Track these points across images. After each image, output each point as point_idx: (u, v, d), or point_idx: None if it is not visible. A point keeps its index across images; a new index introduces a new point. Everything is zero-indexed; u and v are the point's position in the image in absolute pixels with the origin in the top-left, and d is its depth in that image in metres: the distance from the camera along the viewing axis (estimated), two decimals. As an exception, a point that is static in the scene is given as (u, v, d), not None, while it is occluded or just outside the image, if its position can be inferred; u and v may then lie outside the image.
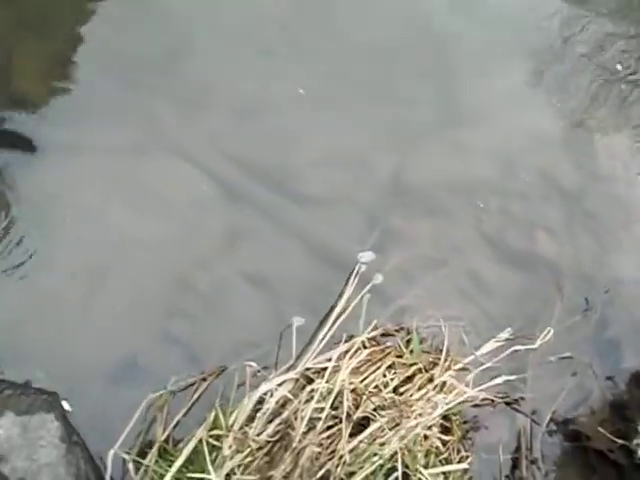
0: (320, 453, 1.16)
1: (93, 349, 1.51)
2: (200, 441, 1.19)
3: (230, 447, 1.16)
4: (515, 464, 1.47)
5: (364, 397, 1.25)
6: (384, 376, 1.34)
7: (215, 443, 1.19)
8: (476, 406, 1.48)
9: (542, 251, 1.86)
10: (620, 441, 1.45)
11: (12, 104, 1.88)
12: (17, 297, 1.53)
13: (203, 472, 1.14)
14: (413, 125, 2.05)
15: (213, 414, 1.24)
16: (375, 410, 1.24)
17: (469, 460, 1.27)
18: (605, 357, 1.71)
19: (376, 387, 1.30)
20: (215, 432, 1.20)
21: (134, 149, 1.85)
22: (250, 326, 1.60)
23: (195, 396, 1.38)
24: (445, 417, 1.36)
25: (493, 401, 1.46)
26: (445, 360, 1.39)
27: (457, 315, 1.64)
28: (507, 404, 1.52)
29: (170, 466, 1.17)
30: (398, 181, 1.94)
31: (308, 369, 1.32)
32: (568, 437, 1.54)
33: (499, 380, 1.32)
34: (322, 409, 1.21)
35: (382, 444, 1.13)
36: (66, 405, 1.32)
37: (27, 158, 1.78)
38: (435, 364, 1.42)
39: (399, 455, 1.11)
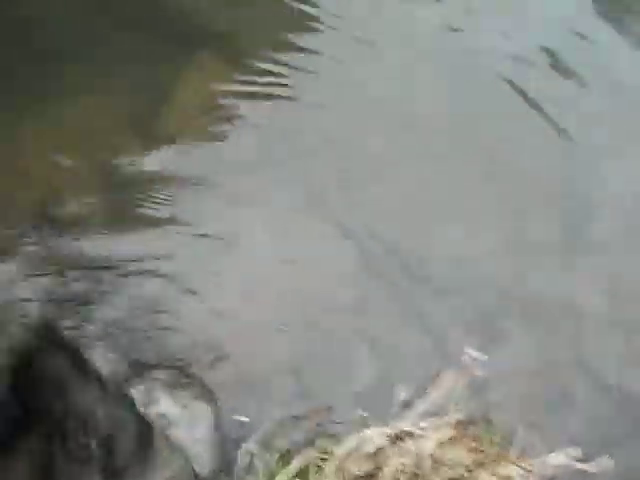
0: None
1: (242, 365, 1.97)
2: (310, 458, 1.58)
3: (331, 470, 1.54)
4: None
5: (443, 467, 1.57)
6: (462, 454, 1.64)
7: (320, 464, 1.58)
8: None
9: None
10: None
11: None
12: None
13: (307, 481, 1.53)
14: (539, 241, 2.31)
15: (322, 440, 1.63)
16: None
17: None
18: None
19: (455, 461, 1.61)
20: (323, 455, 1.59)
21: (296, 207, 2.31)
22: (357, 382, 1.95)
23: (309, 424, 1.78)
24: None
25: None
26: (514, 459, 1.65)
27: (537, 424, 1.86)
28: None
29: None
30: (512, 290, 2.23)
31: (402, 430, 1.66)
32: None
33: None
34: (407, 465, 1.55)
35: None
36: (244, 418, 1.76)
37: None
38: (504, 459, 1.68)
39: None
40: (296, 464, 1.57)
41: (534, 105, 2.64)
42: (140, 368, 1.85)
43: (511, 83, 2.68)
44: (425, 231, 2.32)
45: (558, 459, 1.57)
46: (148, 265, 2.09)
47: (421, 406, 1.75)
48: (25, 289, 1.96)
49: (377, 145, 2.51)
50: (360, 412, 1.74)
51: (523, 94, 2.66)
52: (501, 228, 2.36)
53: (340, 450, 1.59)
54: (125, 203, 2.23)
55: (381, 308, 2.16)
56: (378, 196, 2.40)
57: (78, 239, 2.09)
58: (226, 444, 1.78)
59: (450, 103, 2.62)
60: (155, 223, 2.21)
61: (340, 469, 1.57)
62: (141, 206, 2.22)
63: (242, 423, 1.81)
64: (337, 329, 2.09)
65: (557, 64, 2.79)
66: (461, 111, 2.59)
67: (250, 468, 1.63)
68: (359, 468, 1.58)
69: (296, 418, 1.79)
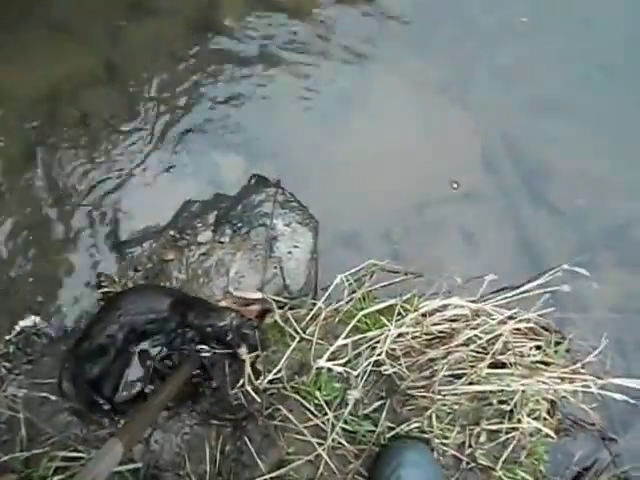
0: (464, 360, 1.62)
1: (346, 211, 2.07)
2: (393, 305, 1.71)
3: (410, 320, 1.67)
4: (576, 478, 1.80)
5: (510, 350, 1.66)
6: (530, 349, 1.73)
7: (402, 312, 1.71)
8: (576, 424, 1.82)
9: None
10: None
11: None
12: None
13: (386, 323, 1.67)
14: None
15: (410, 294, 1.75)
16: (512, 364, 1.66)
17: (555, 440, 1.65)
18: None
19: (521, 351, 1.71)
20: (405, 305, 1.71)
21: (440, 88, 2.28)
22: (447, 262, 2.03)
23: (397, 279, 1.90)
24: (553, 404, 1.73)
25: (594, 424, 1.79)
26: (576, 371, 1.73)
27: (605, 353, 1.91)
28: (600, 436, 1.83)
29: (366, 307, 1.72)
30: (624, 229, 2.19)
31: (482, 310, 1.75)
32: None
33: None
34: (480, 337, 1.65)
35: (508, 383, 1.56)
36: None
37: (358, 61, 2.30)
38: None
39: (518, 393, 1.54)
40: (382, 304, 1.70)
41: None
42: (261, 181, 1.98)
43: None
44: (558, 145, 2.26)
45: (626, 382, 1.64)
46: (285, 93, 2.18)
47: (505, 297, 1.82)
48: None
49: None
50: (446, 285, 1.83)
51: None
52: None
53: (424, 306, 1.71)
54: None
55: (487, 207, 2.18)
56: (522, 99, 2.32)
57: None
58: (319, 272, 1.93)
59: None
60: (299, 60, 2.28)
61: (419, 322, 1.69)
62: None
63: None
64: (440, 211, 2.14)
65: None
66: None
67: (338, 295, 1.78)
68: (436, 327, 1.70)
69: (387, 271, 1.90)
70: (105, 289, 1.78)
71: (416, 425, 1.56)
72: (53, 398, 1.57)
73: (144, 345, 1.58)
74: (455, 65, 2.34)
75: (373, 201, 2.11)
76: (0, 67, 2.15)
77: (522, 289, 1.86)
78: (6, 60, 2.15)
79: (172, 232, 1.86)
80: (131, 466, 1.51)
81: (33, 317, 1.73)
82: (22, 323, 1.72)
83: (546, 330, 1.87)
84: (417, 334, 1.68)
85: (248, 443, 1.57)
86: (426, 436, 1.56)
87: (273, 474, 1.53)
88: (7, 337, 1.67)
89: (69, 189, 1.96)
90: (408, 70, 2.29)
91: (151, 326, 1.57)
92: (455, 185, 2.12)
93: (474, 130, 2.28)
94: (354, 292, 1.78)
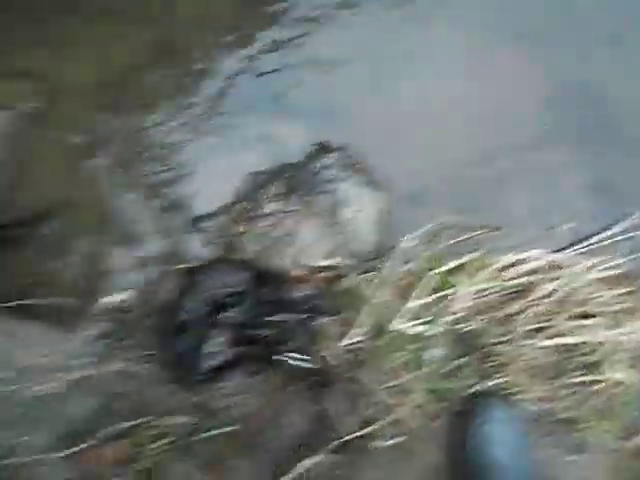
0: (544, 313, 1.58)
1: (412, 170, 2.02)
2: (467, 261, 1.68)
3: (486, 275, 1.64)
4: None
5: (593, 300, 1.61)
6: (613, 298, 1.67)
7: (476, 268, 1.68)
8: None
9: None
10: None
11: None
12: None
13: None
14: None
15: (484, 249, 1.71)
16: (595, 314, 1.61)
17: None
18: None
19: (604, 301, 1.65)
20: (480, 261, 1.68)
21: (506, 37, 2.17)
22: (524, 214, 1.96)
23: (469, 235, 1.85)
24: None
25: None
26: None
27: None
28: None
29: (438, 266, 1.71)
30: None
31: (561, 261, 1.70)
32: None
33: None
34: (560, 289, 1.61)
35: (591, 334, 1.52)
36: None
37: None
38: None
39: (602, 344, 1.50)
40: (455, 262, 1.68)
41: None
42: (324, 147, 1.98)
43: None
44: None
45: None
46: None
47: (585, 245, 1.76)
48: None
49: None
50: (522, 237, 1.78)
51: None
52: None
53: (500, 261, 1.67)
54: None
55: (559, 153, 2.07)
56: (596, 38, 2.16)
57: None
58: (387, 234, 1.91)
59: None
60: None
61: (495, 277, 1.66)
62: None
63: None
64: (510, 161, 2.05)
65: None
66: None
67: (407, 256, 1.77)
68: (513, 281, 1.66)
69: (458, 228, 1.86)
70: (181, 265, 1.85)
71: (497, 381, 1.55)
72: (146, 371, 1.66)
73: (224, 317, 1.64)
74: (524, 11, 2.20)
75: (439, 157, 2.04)
76: (54, 60, 2.13)
77: (602, 236, 1.78)
78: (58, 52, 2.15)
79: (239, 205, 1.90)
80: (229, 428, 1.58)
81: (119, 294, 1.82)
82: (108, 299, 1.81)
83: (630, 277, 1.79)
84: (494, 290, 1.65)
85: (328, 407, 1.62)
86: (508, 392, 1.55)
87: (357, 433, 1.57)
88: (95, 313, 1.77)
89: (136, 173, 2.02)
90: (473, 21, 2.18)
91: (230, 299, 1.63)
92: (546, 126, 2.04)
93: (544, 75, 2.17)
94: (425, 251, 1.76)
